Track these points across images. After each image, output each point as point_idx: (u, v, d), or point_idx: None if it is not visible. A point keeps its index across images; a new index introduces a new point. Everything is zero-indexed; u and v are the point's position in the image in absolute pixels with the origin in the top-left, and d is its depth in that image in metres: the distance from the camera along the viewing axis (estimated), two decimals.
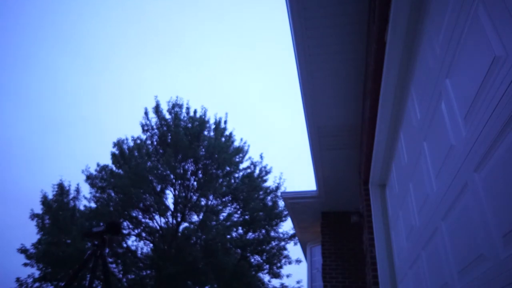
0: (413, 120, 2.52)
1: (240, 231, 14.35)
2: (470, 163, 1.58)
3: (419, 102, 2.35)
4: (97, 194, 13.29)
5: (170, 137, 13.96)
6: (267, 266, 14.37)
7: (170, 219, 13.47)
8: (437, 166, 2.07)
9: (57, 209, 12.80)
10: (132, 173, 12.63)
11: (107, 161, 14.27)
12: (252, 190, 14.50)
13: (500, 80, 1.27)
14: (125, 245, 13.12)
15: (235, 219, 14.27)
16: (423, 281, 2.51)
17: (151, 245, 13.47)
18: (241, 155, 15.04)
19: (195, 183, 13.97)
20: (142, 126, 14.37)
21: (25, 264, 12.12)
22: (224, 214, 14.19)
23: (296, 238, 13.12)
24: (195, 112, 14.86)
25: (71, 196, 13.61)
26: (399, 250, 3.45)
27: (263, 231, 14.49)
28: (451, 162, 1.84)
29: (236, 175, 14.86)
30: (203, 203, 13.90)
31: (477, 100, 1.47)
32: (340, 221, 6.63)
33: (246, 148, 15.33)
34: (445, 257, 2.00)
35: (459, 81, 1.67)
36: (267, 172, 15.34)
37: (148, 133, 14.33)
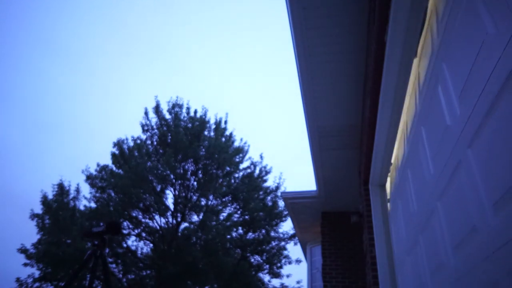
0: (414, 115, 2.52)
1: (240, 231, 14.36)
2: (464, 140, 1.61)
3: (420, 95, 2.36)
4: (97, 194, 13.29)
5: (170, 137, 13.96)
6: (267, 266, 14.37)
7: (170, 219, 13.48)
8: (434, 149, 2.09)
9: (57, 209, 12.80)
10: (132, 173, 12.63)
11: (107, 161, 14.26)
12: (252, 190, 14.50)
13: (490, 57, 1.30)
14: (125, 245, 13.12)
15: (235, 219, 14.27)
16: (420, 265, 2.52)
17: (151, 245, 13.47)
18: (241, 155, 15.04)
19: (195, 183, 13.97)
20: (142, 126, 14.37)
21: (25, 264, 12.12)
22: (224, 214, 14.20)
23: (296, 238, 13.11)
24: (195, 112, 14.86)
25: (71, 196, 13.62)
26: (398, 240, 3.45)
27: (263, 231, 14.49)
28: (446, 142, 1.86)
29: (236, 175, 14.86)
30: (203, 203, 13.90)
31: (470, 79, 1.50)
32: (340, 221, 6.63)
33: (246, 148, 15.34)
34: (441, 237, 2.01)
35: (454, 62, 1.70)
36: (267, 172, 15.35)
37: (148, 133, 14.34)
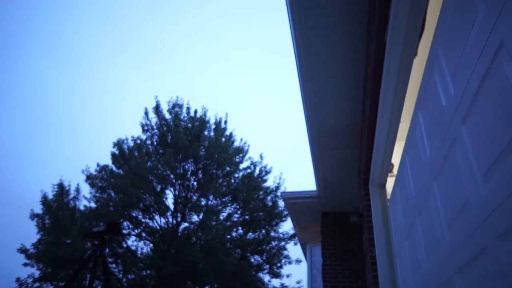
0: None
1: (240, 231, 14.35)
2: (458, 117, 1.65)
3: (420, 90, 2.36)
4: (97, 194, 13.29)
5: (170, 137, 13.95)
6: (267, 266, 14.36)
7: (170, 219, 13.47)
8: (431, 131, 2.11)
9: (57, 209, 12.80)
10: (132, 173, 12.63)
11: (107, 161, 14.26)
12: (252, 190, 14.50)
13: (481, 34, 1.35)
14: (125, 245, 13.11)
15: (235, 219, 14.27)
16: (417, 247, 2.53)
17: (151, 245, 13.47)
18: (241, 155, 15.04)
19: (195, 183, 13.97)
20: (142, 126, 14.36)
21: (25, 264, 12.12)
22: (224, 214, 14.20)
23: (296, 238, 13.11)
24: (195, 112, 14.86)
25: (71, 196, 13.62)
26: (396, 227, 3.47)
27: (263, 231, 14.49)
28: (442, 122, 1.88)
29: (236, 175, 14.86)
30: (203, 203, 13.90)
31: (463, 59, 1.55)
32: (340, 221, 6.63)
33: (246, 148, 15.34)
34: (437, 216, 2.04)
35: (448, 46, 1.75)
36: (267, 172, 15.35)
37: (148, 133, 14.33)
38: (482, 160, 1.42)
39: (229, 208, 14.60)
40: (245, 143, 15.37)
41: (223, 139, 14.65)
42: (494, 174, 1.32)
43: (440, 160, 1.93)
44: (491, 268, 1.41)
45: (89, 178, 13.42)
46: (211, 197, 14.00)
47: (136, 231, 13.33)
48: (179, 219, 13.44)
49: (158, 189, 13.40)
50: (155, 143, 14.19)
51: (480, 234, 1.47)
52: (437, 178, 2.03)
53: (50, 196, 13.22)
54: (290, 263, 14.48)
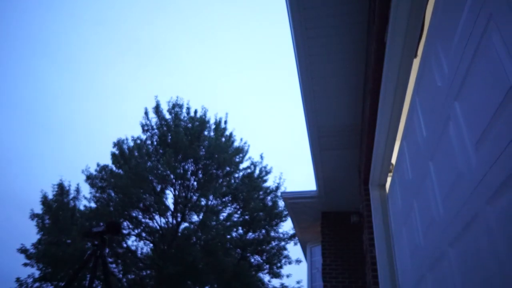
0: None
1: (240, 231, 14.35)
2: (451, 94, 1.71)
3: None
4: (97, 194, 13.29)
5: (170, 137, 13.95)
6: (267, 266, 14.37)
7: (170, 219, 13.47)
8: (427, 112, 2.16)
9: (57, 209, 12.81)
10: (132, 173, 12.63)
11: (107, 161, 14.27)
12: (252, 190, 14.50)
13: (472, 11, 1.41)
14: (125, 245, 13.12)
15: (235, 219, 14.27)
16: (414, 230, 2.58)
17: (151, 245, 13.47)
18: (241, 155, 15.04)
19: (195, 183, 13.97)
20: (142, 126, 14.37)
21: (25, 264, 12.12)
22: (224, 214, 14.20)
23: (296, 238, 13.11)
24: (195, 112, 14.86)
25: (71, 196, 13.64)
26: (394, 214, 3.52)
27: (263, 231, 14.49)
28: (437, 102, 1.93)
29: (236, 175, 14.86)
30: (203, 203, 13.90)
31: (456, 39, 1.61)
32: (340, 221, 6.63)
33: (246, 148, 15.34)
34: (433, 194, 2.08)
35: (445, 36, 1.78)
36: (267, 172, 15.35)
37: (148, 133, 14.33)
38: (473, 130, 1.47)
39: (229, 208, 14.60)
40: (245, 143, 15.39)
41: (223, 139, 14.65)
42: (484, 142, 1.37)
43: (436, 139, 1.97)
44: (482, 234, 1.46)
45: (89, 178, 13.42)
46: (211, 197, 14.00)
47: (136, 231, 13.33)
48: (179, 219, 13.44)
49: (158, 189, 13.40)
50: (155, 143, 14.20)
51: (472, 201, 1.52)
52: (433, 158, 2.06)
53: (50, 196, 13.24)
54: (290, 263, 14.49)
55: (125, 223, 13.05)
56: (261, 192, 14.92)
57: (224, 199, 14.46)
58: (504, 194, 1.37)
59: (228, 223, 13.53)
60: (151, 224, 13.40)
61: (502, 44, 1.20)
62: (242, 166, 15.11)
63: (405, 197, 2.92)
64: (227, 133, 15.02)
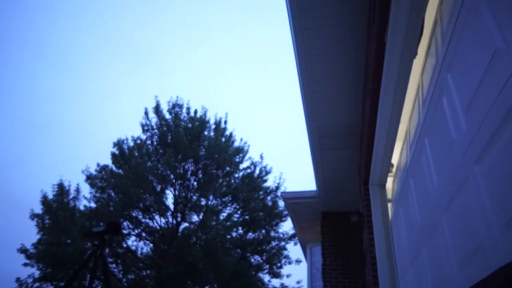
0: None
1: (240, 231, 14.35)
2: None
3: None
4: (97, 194, 13.28)
5: (170, 137, 13.94)
6: (267, 266, 14.36)
7: (170, 219, 13.47)
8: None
9: (57, 209, 12.79)
10: (132, 173, 12.62)
11: (107, 161, 14.24)
12: (252, 190, 14.49)
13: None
14: (125, 245, 13.11)
15: (235, 219, 14.26)
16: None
17: (151, 245, 13.46)
18: (241, 155, 15.03)
19: (195, 183, 13.96)
20: (142, 126, 14.35)
21: (25, 264, 12.10)
22: (224, 214, 14.19)
23: (296, 238, 13.11)
24: (195, 112, 14.84)
25: (71, 196, 13.61)
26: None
27: (263, 231, 14.48)
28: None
29: (236, 175, 14.85)
30: (203, 203, 13.89)
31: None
32: (340, 221, 6.63)
33: (246, 148, 15.33)
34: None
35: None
36: (267, 172, 15.34)
37: (148, 133, 14.32)
38: (464, 98, 1.51)
39: (229, 208, 14.60)
40: (245, 143, 15.38)
41: (223, 139, 14.64)
42: (473, 106, 1.43)
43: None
44: (471, 195, 1.52)
45: (89, 178, 13.41)
46: (211, 197, 13.99)
47: (136, 231, 13.33)
48: (179, 219, 13.43)
49: (158, 189, 13.39)
50: (155, 143, 14.19)
51: (462, 165, 1.59)
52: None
53: (50, 196, 13.22)
54: (290, 263, 14.49)
55: (125, 223, 13.05)
56: (261, 192, 14.92)
57: (224, 199, 14.45)
58: (491, 151, 1.41)
59: (228, 223, 13.52)
60: (151, 224, 13.41)
61: (488, 10, 1.24)
62: (242, 166, 15.12)
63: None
64: (227, 133, 15.01)
